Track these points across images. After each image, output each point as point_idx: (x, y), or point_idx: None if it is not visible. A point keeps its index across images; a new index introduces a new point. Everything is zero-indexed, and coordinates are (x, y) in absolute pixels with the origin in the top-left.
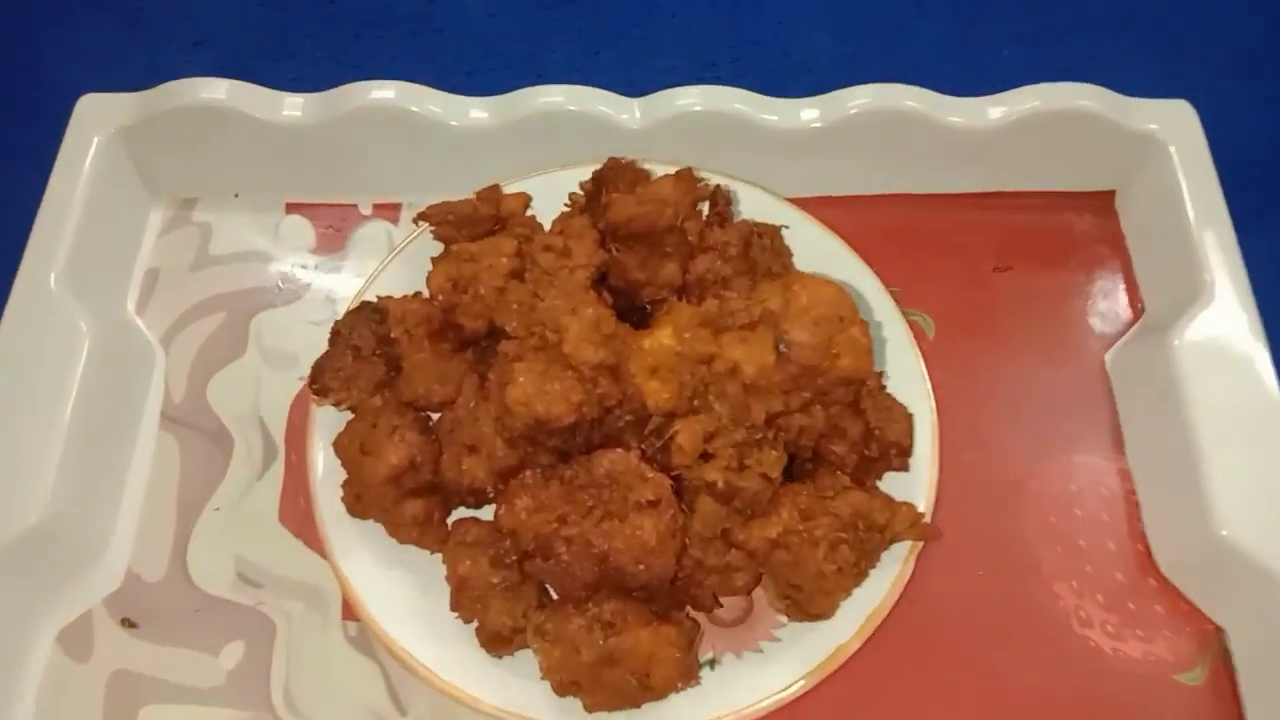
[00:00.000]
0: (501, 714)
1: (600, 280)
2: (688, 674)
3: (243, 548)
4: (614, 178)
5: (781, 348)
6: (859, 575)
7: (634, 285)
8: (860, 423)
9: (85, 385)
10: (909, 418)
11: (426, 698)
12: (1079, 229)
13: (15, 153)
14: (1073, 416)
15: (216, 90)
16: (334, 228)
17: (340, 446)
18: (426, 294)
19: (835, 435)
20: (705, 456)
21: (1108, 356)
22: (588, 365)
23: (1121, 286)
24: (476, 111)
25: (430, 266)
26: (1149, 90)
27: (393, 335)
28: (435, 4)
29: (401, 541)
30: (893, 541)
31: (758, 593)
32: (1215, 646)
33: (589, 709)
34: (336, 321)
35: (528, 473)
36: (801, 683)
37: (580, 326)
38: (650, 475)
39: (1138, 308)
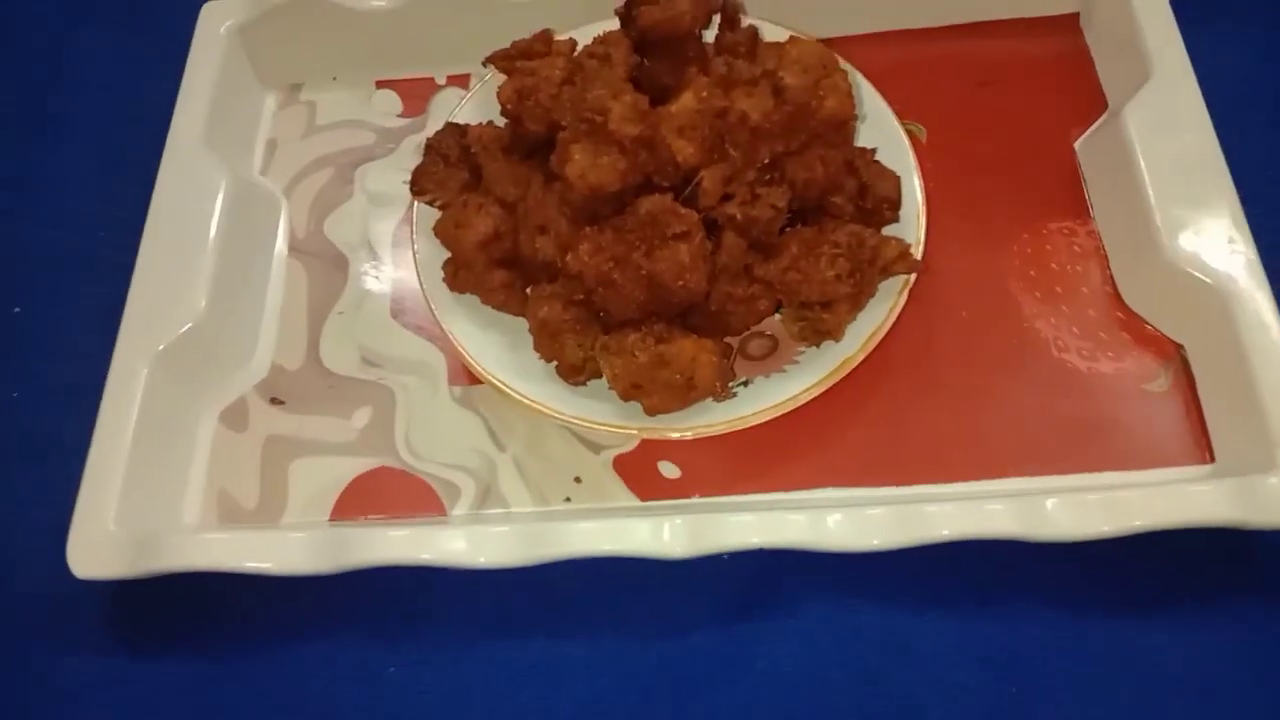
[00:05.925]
0: (581, 422)
1: (635, 86)
2: (724, 376)
3: (363, 339)
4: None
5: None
6: (857, 289)
7: (663, 90)
8: (855, 181)
9: (226, 223)
10: (897, 179)
11: (519, 436)
12: (1049, 46)
13: (148, 62)
14: (1048, 194)
15: None
16: (416, 96)
17: (439, 229)
18: (498, 112)
19: (834, 189)
20: (726, 199)
21: (1077, 145)
22: (628, 138)
23: (1086, 91)
24: None
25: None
26: None
27: (472, 150)
28: None
29: (492, 305)
30: (886, 271)
31: (782, 333)
32: (1176, 359)
33: (648, 411)
34: (428, 137)
35: (588, 228)
36: (816, 388)
37: (621, 107)
38: (682, 211)
39: (1102, 106)
